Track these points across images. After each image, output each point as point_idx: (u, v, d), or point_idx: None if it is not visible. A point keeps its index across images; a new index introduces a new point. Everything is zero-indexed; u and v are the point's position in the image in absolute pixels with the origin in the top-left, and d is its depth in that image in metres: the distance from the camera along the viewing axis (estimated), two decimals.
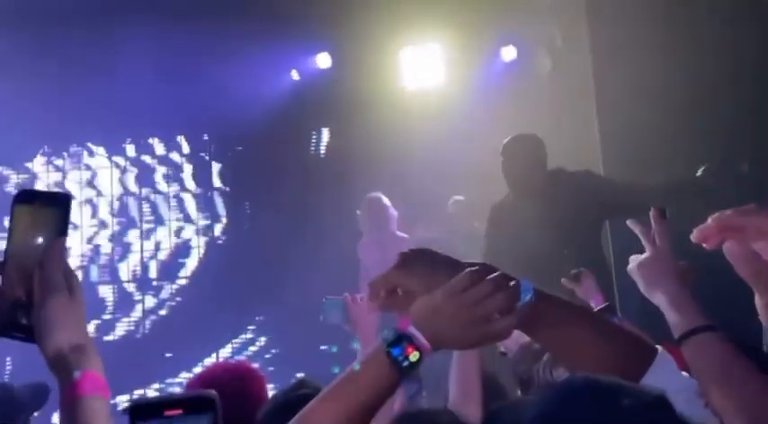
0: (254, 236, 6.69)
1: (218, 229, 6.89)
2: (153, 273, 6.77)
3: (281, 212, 6.47)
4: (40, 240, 1.05)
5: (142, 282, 6.75)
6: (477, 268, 1.09)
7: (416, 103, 6.24)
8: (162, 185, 6.81)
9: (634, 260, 1.51)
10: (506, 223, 4.38)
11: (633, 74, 4.34)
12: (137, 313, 6.70)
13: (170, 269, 6.79)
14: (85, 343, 1.01)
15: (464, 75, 6.18)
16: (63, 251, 1.05)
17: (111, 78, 6.10)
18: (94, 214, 6.73)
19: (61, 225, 1.06)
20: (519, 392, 2.29)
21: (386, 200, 5.57)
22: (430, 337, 1.06)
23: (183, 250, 6.81)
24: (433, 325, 1.06)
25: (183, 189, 6.84)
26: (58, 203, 1.08)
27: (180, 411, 0.84)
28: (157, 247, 6.79)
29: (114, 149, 6.79)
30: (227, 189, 6.91)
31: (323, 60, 6.51)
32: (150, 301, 6.70)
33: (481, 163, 5.77)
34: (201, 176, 6.82)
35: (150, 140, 6.79)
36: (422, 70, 6.26)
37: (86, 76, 6.09)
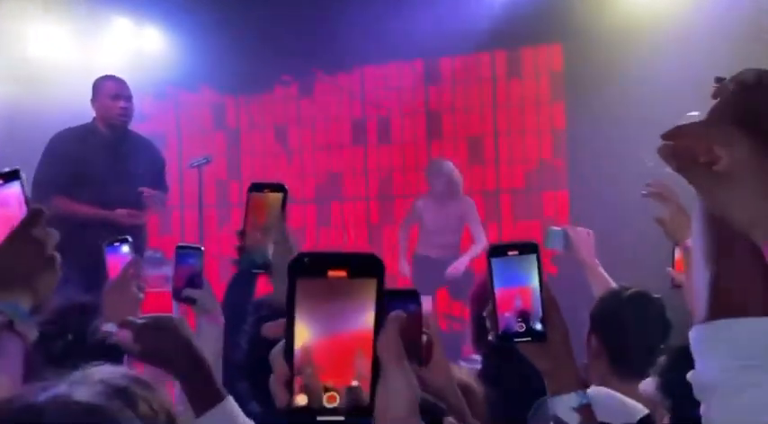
0: None
1: None
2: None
3: None
4: (269, 216, 1.47)
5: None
6: None
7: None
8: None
9: None
10: None
11: None
12: None
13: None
14: None
15: None
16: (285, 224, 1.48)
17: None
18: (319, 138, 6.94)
19: (283, 205, 1.48)
20: None
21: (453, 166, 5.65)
22: None
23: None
24: None
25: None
26: (279, 189, 1.49)
27: None
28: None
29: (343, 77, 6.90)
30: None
31: None
32: None
33: None
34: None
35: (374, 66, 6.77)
36: None
37: (313, 14, 6.35)
